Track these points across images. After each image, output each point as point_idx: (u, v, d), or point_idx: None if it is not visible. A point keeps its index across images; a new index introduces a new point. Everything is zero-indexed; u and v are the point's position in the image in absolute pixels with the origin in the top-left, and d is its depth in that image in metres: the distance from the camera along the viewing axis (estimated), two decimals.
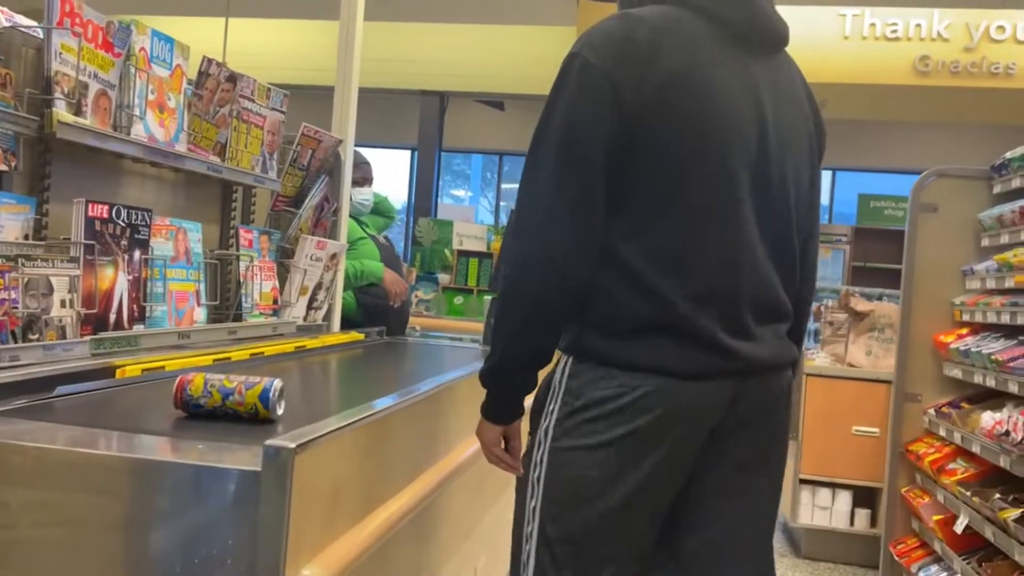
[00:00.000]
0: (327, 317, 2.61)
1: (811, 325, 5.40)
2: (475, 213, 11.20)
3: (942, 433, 2.78)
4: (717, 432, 1.30)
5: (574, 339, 1.29)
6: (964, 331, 2.81)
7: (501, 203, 12.26)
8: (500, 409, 1.34)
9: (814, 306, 4.57)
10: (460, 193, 13.46)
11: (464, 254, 8.42)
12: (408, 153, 10.97)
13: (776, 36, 1.37)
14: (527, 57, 8.80)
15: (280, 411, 1.21)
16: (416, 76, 8.62)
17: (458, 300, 8.39)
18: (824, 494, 3.56)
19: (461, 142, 10.99)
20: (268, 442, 0.94)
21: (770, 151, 1.31)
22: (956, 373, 2.80)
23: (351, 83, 2.69)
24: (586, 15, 7.86)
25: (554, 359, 1.32)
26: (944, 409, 2.82)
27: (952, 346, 2.78)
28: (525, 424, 1.37)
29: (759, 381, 1.33)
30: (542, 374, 1.33)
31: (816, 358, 3.74)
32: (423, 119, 9.44)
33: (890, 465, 3.10)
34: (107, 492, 1.00)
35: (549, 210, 1.24)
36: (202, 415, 1.20)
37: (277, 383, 1.20)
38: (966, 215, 2.85)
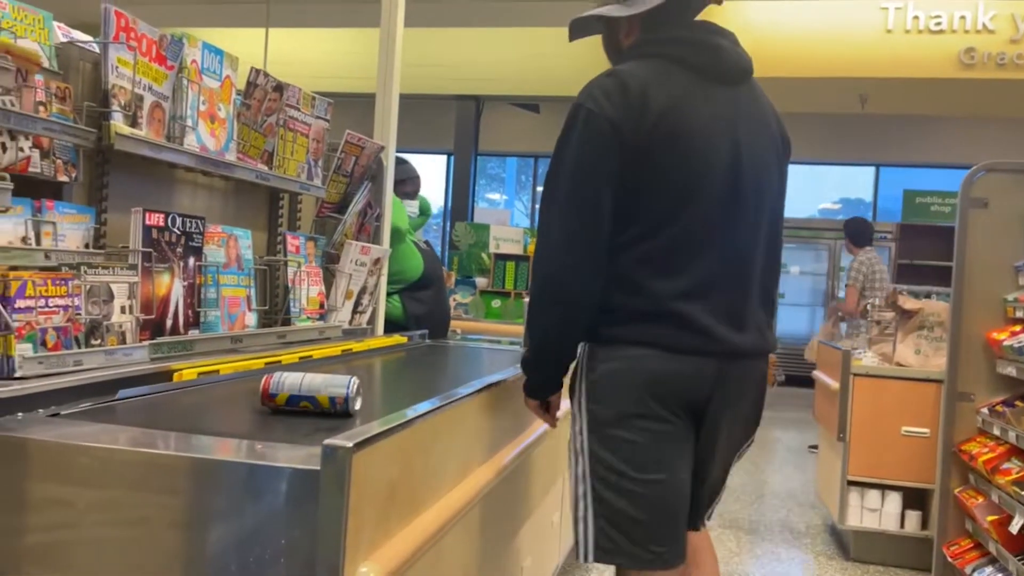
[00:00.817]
0: (371, 320, 2.65)
1: (861, 323, 5.31)
2: (510, 216, 11.23)
3: (996, 432, 2.72)
4: (710, 409, 1.59)
5: (591, 329, 1.58)
6: (1018, 328, 2.75)
7: (536, 205, 12.28)
8: (537, 391, 1.70)
9: (861, 304, 4.52)
10: (495, 196, 13.52)
11: (501, 257, 8.45)
12: (443, 158, 11.04)
13: (740, 70, 1.67)
14: (562, 59, 8.80)
15: (357, 406, 1.34)
16: (452, 81, 8.68)
17: (496, 303, 8.41)
18: (873, 496, 3.50)
19: (496, 145, 11.03)
20: (327, 441, 0.96)
21: (743, 164, 1.58)
22: (1010, 371, 2.74)
23: (392, 90, 2.73)
24: None
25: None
26: (998, 408, 2.76)
27: (1006, 343, 2.72)
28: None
29: (742, 365, 1.62)
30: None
31: (863, 358, 3.68)
32: (459, 123, 9.50)
33: (942, 466, 3.04)
34: (168, 491, 1.03)
35: (562, 240, 1.54)
36: (287, 410, 1.32)
37: (355, 381, 1.33)
38: (1017, 210, 2.79)
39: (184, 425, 1.25)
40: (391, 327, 2.93)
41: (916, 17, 7.14)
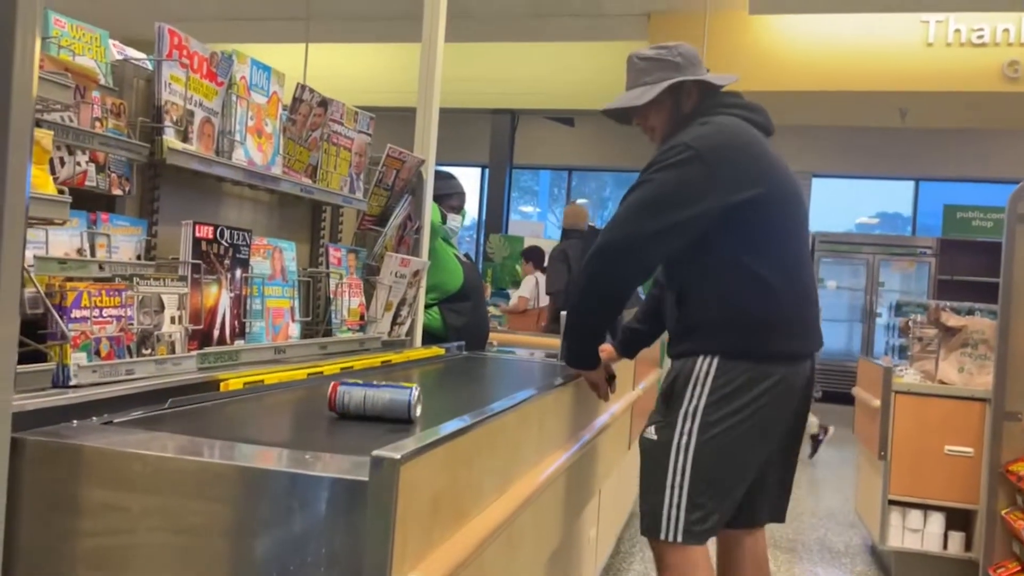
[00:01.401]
0: (410, 332, 2.67)
1: (896, 341, 5.23)
2: (544, 229, 11.25)
3: None
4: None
5: (711, 338, 1.88)
6: None
7: None
8: (586, 360, 2.06)
9: (901, 321, 4.44)
10: (528, 209, 13.56)
11: None
12: (478, 171, 11.11)
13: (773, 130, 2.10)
14: (597, 73, 8.82)
15: (417, 413, 1.40)
16: (488, 95, 8.75)
17: None
18: (915, 516, 3.43)
19: (531, 158, 11.08)
20: (374, 453, 0.97)
21: (802, 195, 2.04)
22: None
23: (432, 105, 2.76)
24: (656, 30, 7.86)
25: (676, 357, 1.97)
26: None
27: None
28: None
29: (812, 361, 2.01)
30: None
31: (905, 375, 3.63)
32: (494, 137, 9.56)
33: (988, 486, 2.98)
34: (219, 499, 1.05)
35: (624, 239, 1.85)
36: (351, 416, 1.39)
37: (416, 390, 1.39)
38: None
39: (233, 434, 1.27)
40: (430, 339, 2.95)
41: (958, 30, 7.06)
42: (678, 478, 1.83)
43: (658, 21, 7.76)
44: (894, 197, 11.53)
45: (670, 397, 1.92)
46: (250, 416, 1.47)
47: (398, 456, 0.97)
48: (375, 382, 1.42)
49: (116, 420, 1.27)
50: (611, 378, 2.19)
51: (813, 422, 6.33)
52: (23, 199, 0.87)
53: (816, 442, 6.28)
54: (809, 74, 7.38)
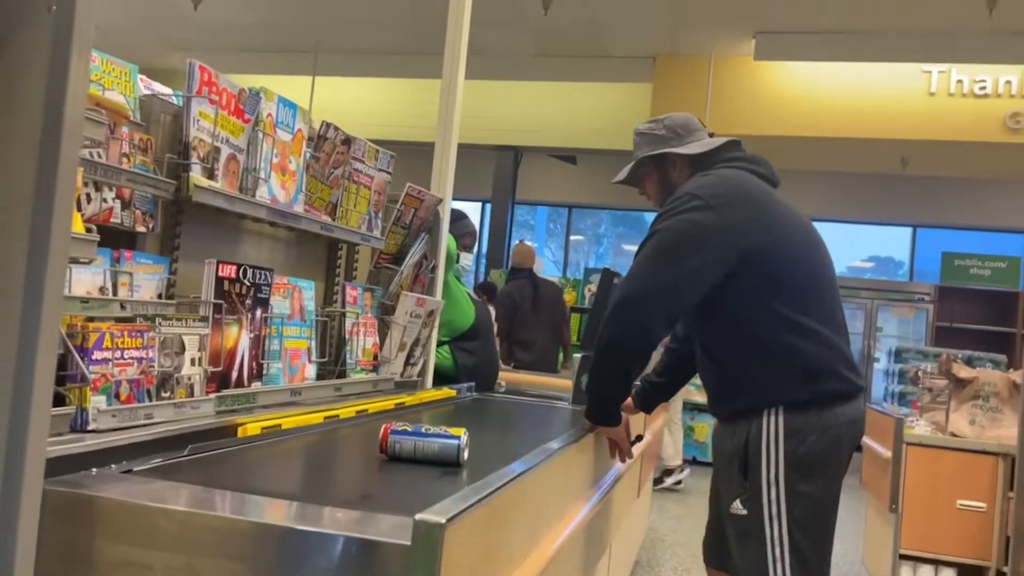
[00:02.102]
0: (422, 372, 2.62)
1: (896, 387, 5.19)
2: (543, 266, 11.24)
3: None
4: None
5: (769, 391, 1.84)
6: None
7: (568, 255, 12.31)
8: (609, 416, 2.01)
9: (911, 370, 4.41)
10: (526, 242, 13.57)
11: None
12: (479, 205, 11.12)
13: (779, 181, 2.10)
14: (600, 113, 8.88)
15: (465, 457, 1.44)
16: (493, 132, 8.79)
17: None
18: (926, 571, 3.37)
19: (532, 194, 11.10)
20: (418, 517, 0.93)
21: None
22: None
23: (451, 143, 2.75)
24: (661, 73, 7.93)
25: (735, 416, 1.91)
26: None
27: None
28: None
29: (864, 396, 1.98)
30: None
31: (915, 426, 3.58)
32: (497, 173, 9.58)
33: (1014, 544, 2.91)
34: (253, 558, 1.00)
35: (644, 290, 1.83)
36: (402, 459, 1.44)
37: (464, 436, 1.44)
38: None
39: (259, 486, 1.23)
40: (441, 378, 2.91)
41: (960, 81, 7.13)
42: (778, 551, 1.79)
43: (663, 64, 7.84)
44: (890, 242, 11.58)
45: (745, 463, 1.86)
46: (273, 465, 1.42)
47: (443, 520, 0.93)
48: (424, 428, 1.47)
49: (136, 468, 1.22)
50: (638, 438, 2.15)
51: (672, 454, 6.26)
52: (66, 243, 0.84)
53: (666, 475, 6.22)
54: (812, 120, 7.43)
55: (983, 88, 7.09)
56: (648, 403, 2.39)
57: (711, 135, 2.11)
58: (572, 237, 12.23)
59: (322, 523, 1.01)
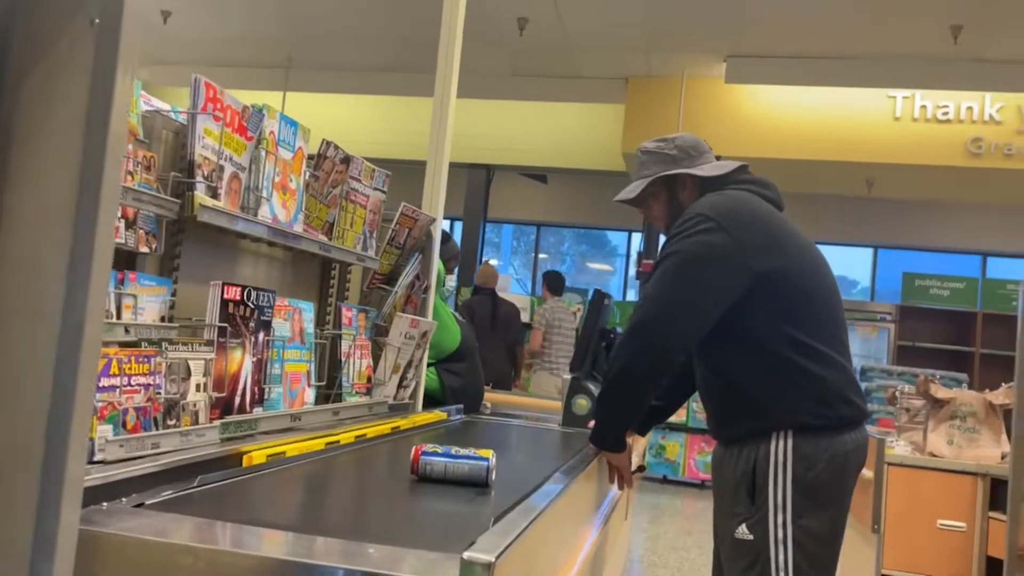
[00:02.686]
0: (413, 395, 2.58)
1: (875, 405, 5.27)
2: (510, 283, 11.23)
3: None
4: None
5: (779, 414, 1.82)
6: None
7: (537, 272, 12.34)
8: (615, 442, 1.99)
9: (888, 391, 4.46)
10: (492, 262, 13.58)
11: None
12: (448, 223, 11.09)
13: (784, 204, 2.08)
14: (573, 132, 8.93)
15: (493, 478, 1.48)
16: (465, 150, 8.77)
17: None
18: None
19: (503, 213, 11.11)
20: (466, 556, 0.89)
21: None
22: None
23: (443, 162, 2.72)
24: (634, 94, 8.00)
25: (741, 438, 1.88)
26: None
27: None
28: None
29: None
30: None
31: (895, 446, 3.62)
32: (469, 191, 9.57)
33: (1007, 566, 2.93)
34: None
35: (661, 313, 1.83)
36: (433, 479, 1.48)
37: (493, 459, 1.49)
38: None
39: (280, 520, 1.18)
40: (428, 401, 2.86)
41: (924, 106, 7.32)
42: (782, 575, 1.77)
43: (636, 85, 7.91)
44: (851, 262, 11.80)
45: (753, 487, 1.83)
46: (287, 495, 1.37)
47: (492, 559, 0.89)
48: (453, 450, 1.51)
49: (148, 502, 1.16)
50: (640, 468, 2.13)
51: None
52: (107, 267, 0.79)
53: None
54: (782, 143, 7.56)
55: (946, 113, 7.28)
56: (645, 426, 2.37)
57: (718, 157, 2.11)
58: (542, 255, 12.26)
59: (362, 560, 0.97)
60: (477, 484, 1.45)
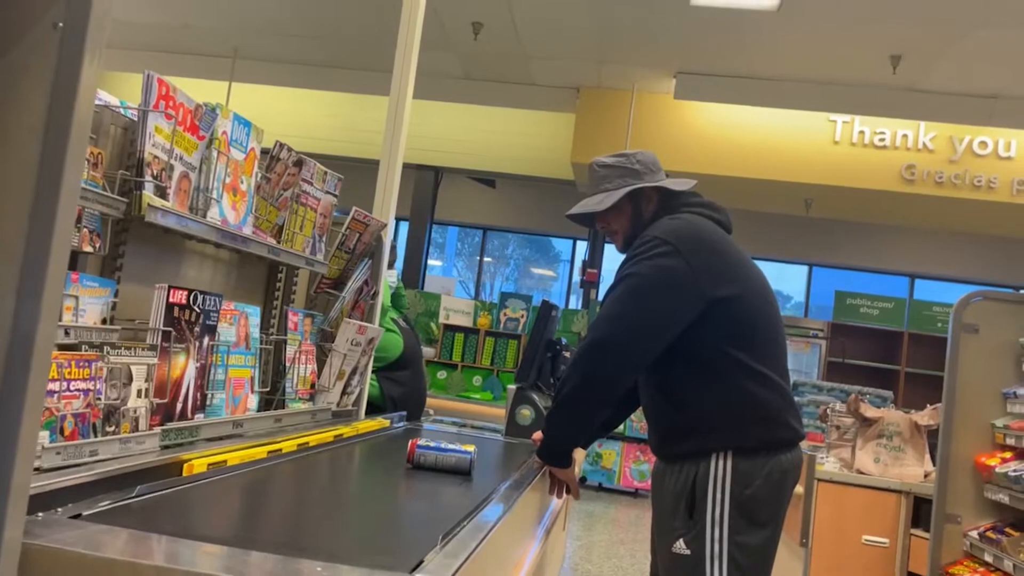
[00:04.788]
0: (356, 402, 2.55)
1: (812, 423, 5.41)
2: (455, 287, 11.21)
3: (988, 559, 2.74)
4: None
5: (721, 434, 1.86)
6: (1008, 455, 2.80)
7: (482, 276, 12.35)
8: (563, 458, 2.03)
9: (820, 408, 4.59)
10: (435, 263, 13.54)
11: (451, 328, 8.36)
12: (393, 223, 11.01)
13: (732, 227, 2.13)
14: (522, 138, 8.96)
15: (474, 470, 1.81)
16: (414, 151, 8.72)
17: (441, 375, 8.29)
18: None
19: (450, 215, 11.08)
20: None
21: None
22: (1002, 497, 2.76)
23: (396, 166, 2.70)
24: (585, 104, 8.08)
25: (682, 457, 1.92)
26: (989, 534, 2.77)
27: (998, 470, 2.75)
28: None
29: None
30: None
31: (825, 462, 3.73)
32: (417, 192, 9.52)
33: None
34: None
35: (616, 334, 1.84)
36: (426, 467, 1.82)
37: (474, 452, 1.82)
38: (1007, 337, 2.90)
39: (223, 533, 1.15)
40: (368, 408, 2.83)
41: (862, 132, 7.57)
42: None
43: (587, 96, 7.99)
44: (786, 279, 12.13)
45: (692, 503, 1.87)
46: (227, 506, 1.34)
47: None
48: (442, 444, 1.84)
49: (85, 513, 1.12)
50: (581, 478, 2.15)
51: None
52: (63, 270, 0.76)
53: None
54: (726, 160, 7.72)
55: (883, 140, 7.54)
56: (589, 440, 2.39)
57: (667, 174, 2.14)
58: (487, 259, 12.27)
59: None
60: (461, 472, 1.77)
